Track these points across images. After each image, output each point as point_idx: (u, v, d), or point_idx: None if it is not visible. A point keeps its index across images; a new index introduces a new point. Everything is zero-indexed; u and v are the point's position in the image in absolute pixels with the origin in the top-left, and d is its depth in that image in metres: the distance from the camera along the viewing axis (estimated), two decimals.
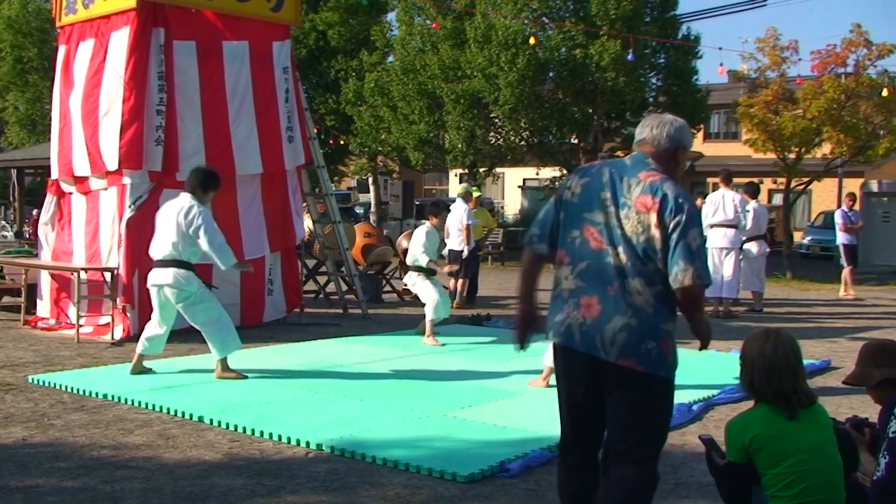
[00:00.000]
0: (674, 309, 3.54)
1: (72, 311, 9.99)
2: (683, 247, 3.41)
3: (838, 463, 3.37)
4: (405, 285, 14.16)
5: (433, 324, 9.58)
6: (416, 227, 13.51)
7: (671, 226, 3.42)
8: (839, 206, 24.99)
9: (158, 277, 7.27)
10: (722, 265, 12.46)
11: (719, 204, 12.49)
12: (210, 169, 7.81)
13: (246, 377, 7.47)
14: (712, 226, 12.48)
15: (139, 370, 7.51)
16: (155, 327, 7.50)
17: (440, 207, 10.37)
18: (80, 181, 10.03)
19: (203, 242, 7.12)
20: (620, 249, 3.48)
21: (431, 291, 9.62)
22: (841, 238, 16.27)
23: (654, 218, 3.44)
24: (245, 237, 10.11)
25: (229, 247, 7.33)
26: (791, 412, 3.33)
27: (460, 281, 13.30)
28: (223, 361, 7.44)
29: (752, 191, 13.40)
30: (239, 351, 8.77)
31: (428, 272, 9.73)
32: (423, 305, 9.69)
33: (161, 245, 7.27)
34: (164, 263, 7.23)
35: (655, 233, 3.44)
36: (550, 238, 3.68)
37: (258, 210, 10.33)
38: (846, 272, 16.09)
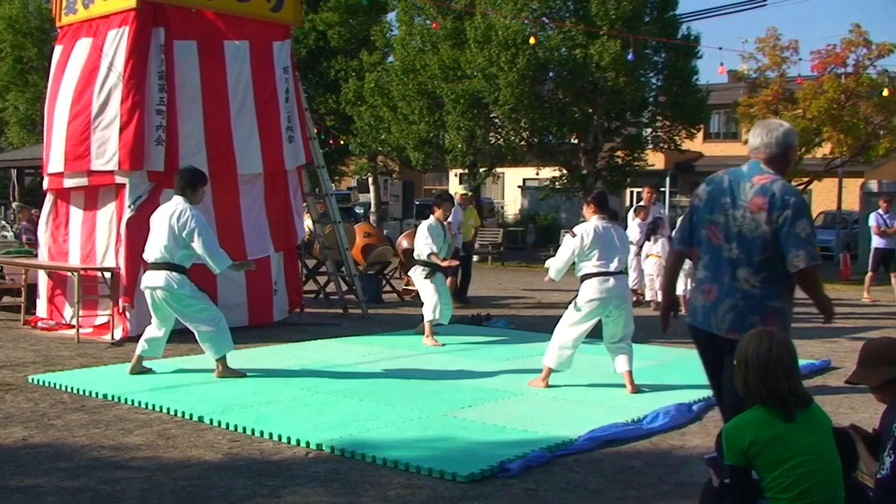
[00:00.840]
0: (782, 290, 4.14)
1: (67, 311, 9.99)
2: (793, 236, 4.02)
3: (837, 463, 3.36)
4: (405, 285, 14.27)
5: (432, 324, 9.54)
6: (416, 226, 13.54)
7: (780, 221, 4.03)
8: (839, 206, 25.06)
9: (151, 280, 7.28)
10: None
11: None
12: (194, 167, 7.80)
13: (245, 375, 7.47)
14: None
15: (138, 370, 7.51)
16: (154, 329, 7.51)
17: (443, 199, 10.21)
18: (54, 178, 10.04)
19: (197, 245, 7.11)
20: (734, 244, 4.15)
21: (430, 292, 9.57)
22: (875, 242, 15.87)
23: (764, 216, 4.06)
24: (248, 237, 10.11)
25: (223, 249, 7.32)
26: (788, 414, 3.32)
27: (449, 279, 13.34)
28: (222, 361, 7.45)
29: None
30: (239, 351, 8.80)
31: (432, 271, 9.60)
32: (423, 305, 9.67)
33: (153, 248, 7.27)
34: (157, 266, 7.23)
35: (765, 228, 4.06)
36: (688, 239, 4.42)
37: (261, 210, 10.33)
38: (868, 276, 15.84)
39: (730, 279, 4.15)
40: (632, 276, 13.40)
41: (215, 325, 7.37)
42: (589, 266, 6.99)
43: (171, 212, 7.19)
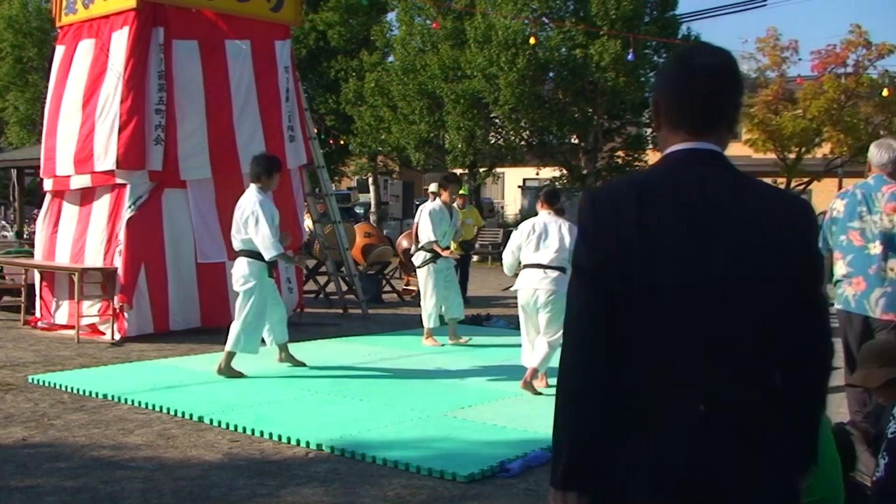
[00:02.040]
0: None
1: (62, 311, 9.98)
2: None
3: (836, 462, 3.36)
4: (405, 285, 14.27)
5: (431, 330, 9.38)
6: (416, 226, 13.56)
7: None
8: None
9: (234, 268, 7.68)
10: None
11: None
12: (269, 154, 8.22)
13: (244, 376, 7.48)
14: None
15: (288, 361, 7.93)
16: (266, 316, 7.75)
17: (449, 180, 9.57)
18: (60, 180, 10.04)
19: (252, 231, 7.37)
20: (876, 243, 5.23)
21: (429, 291, 9.30)
22: None
23: None
24: None
25: (276, 240, 7.40)
26: None
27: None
28: (228, 357, 7.50)
29: None
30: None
31: (433, 258, 9.20)
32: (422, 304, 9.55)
33: (233, 236, 7.63)
34: (236, 254, 7.64)
35: None
36: (826, 244, 5.47)
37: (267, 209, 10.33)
38: None
39: (876, 271, 5.21)
40: None
41: (249, 324, 7.49)
42: (525, 258, 7.11)
43: (243, 199, 7.54)
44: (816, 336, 2.06)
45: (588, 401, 1.91)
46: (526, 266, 7.06)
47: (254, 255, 7.44)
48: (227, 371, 7.46)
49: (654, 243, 1.90)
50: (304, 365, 7.96)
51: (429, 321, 9.38)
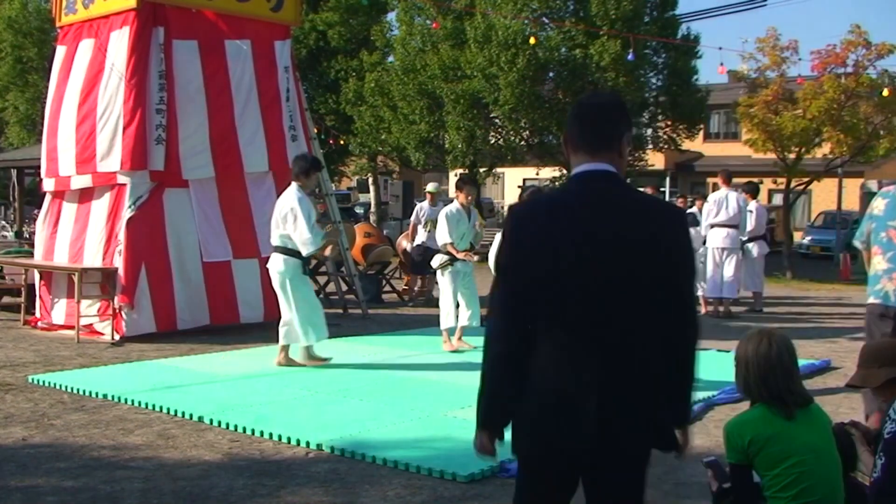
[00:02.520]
0: None
1: (58, 311, 9.98)
2: None
3: (837, 462, 3.36)
4: (405, 285, 14.26)
5: (450, 332, 9.13)
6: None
7: None
8: (839, 206, 25.06)
9: (269, 263, 8.04)
10: (723, 265, 12.46)
11: (722, 203, 12.46)
12: (308, 154, 8.69)
13: (303, 365, 7.96)
14: (713, 225, 12.48)
15: (288, 363, 8.02)
16: (284, 314, 7.96)
17: (465, 181, 9.40)
18: (62, 180, 10.04)
19: (290, 227, 7.71)
20: None
21: (447, 295, 9.04)
22: None
23: None
24: (260, 234, 10.13)
25: (313, 237, 7.70)
26: (787, 412, 3.32)
27: (422, 279, 13.65)
28: (285, 350, 7.97)
29: (752, 191, 13.39)
30: (240, 350, 8.81)
31: (451, 261, 8.97)
32: (433, 305, 9.55)
33: (271, 232, 7.96)
34: (273, 249, 7.95)
35: None
36: (867, 241, 5.78)
37: (272, 207, 10.34)
38: None
39: None
40: None
41: (306, 316, 7.85)
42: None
43: (282, 197, 7.90)
44: (684, 321, 2.63)
45: (499, 366, 2.70)
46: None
47: (289, 251, 7.78)
48: (286, 362, 7.93)
49: (556, 246, 2.54)
50: (302, 366, 7.99)
51: (447, 318, 9.09)
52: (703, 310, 12.46)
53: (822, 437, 3.36)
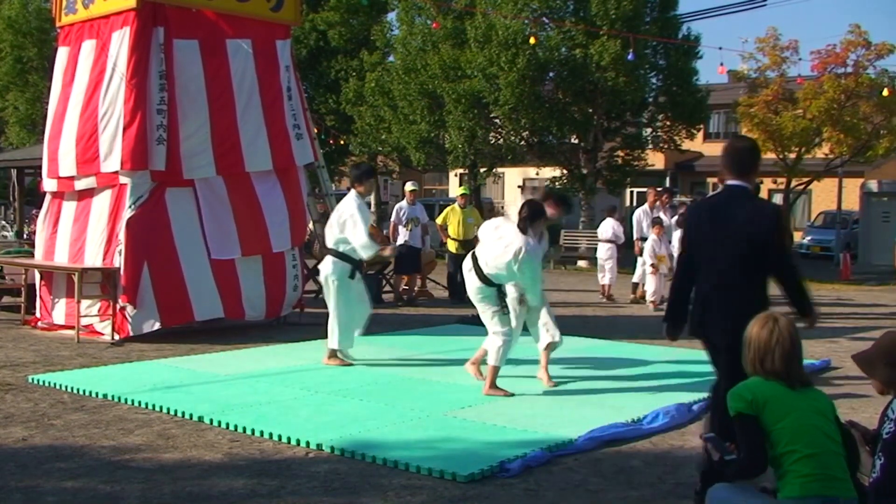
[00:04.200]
0: None
1: (58, 310, 9.98)
2: None
3: (838, 440, 3.44)
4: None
5: (496, 371, 6.95)
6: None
7: None
8: (839, 206, 25.07)
9: (321, 265, 8.33)
10: None
11: None
12: (364, 163, 9.07)
13: (351, 364, 8.13)
14: None
15: (339, 363, 8.14)
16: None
17: (552, 198, 7.52)
18: (64, 181, 10.04)
19: (349, 232, 7.96)
20: None
21: (499, 322, 6.99)
22: None
23: None
24: (272, 231, 10.18)
25: (370, 241, 7.98)
26: (788, 384, 3.49)
27: (406, 279, 13.73)
28: (332, 352, 8.16)
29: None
30: (240, 350, 8.82)
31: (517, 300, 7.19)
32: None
33: (326, 234, 8.24)
34: (327, 252, 8.22)
35: None
36: None
37: (282, 205, 10.38)
38: None
39: None
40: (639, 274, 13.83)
41: (341, 322, 8.08)
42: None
43: (342, 203, 8.16)
44: (780, 266, 4.52)
45: (676, 289, 4.86)
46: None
47: (341, 255, 8.03)
48: (333, 361, 8.11)
49: (700, 228, 4.70)
50: (350, 364, 8.21)
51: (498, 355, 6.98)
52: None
53: (823, 411, 3.48)
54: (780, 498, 3.38)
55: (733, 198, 4.57)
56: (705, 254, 4.61)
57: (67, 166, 9.91)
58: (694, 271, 4.67)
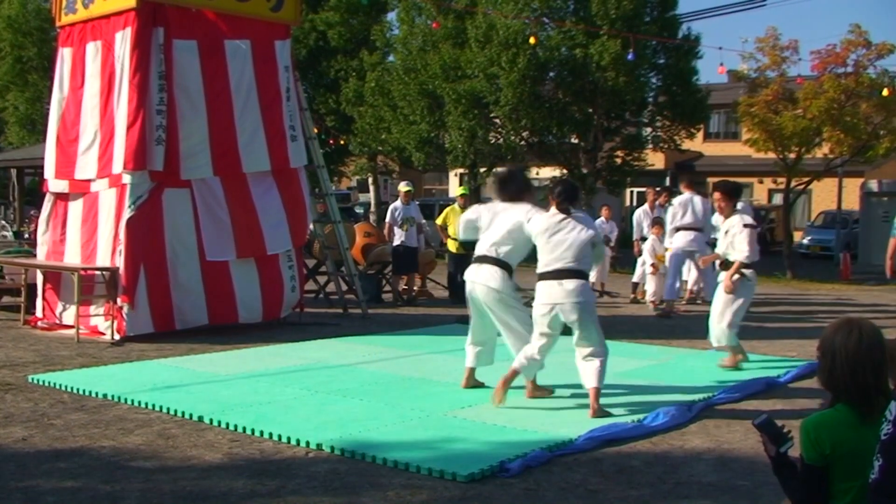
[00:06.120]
0: None
1: (69, 312, 9.98)
2: None
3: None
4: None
5: (532, 377, 6.82)
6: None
7: None
8: (839, 206, 25.08)
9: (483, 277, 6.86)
10: (687, 267, 12.82)
11: (688, 206, 12.52)
12: (501, 173, 7.53)
13: (484, 385, 6.99)
14: (678, 228, 12.52)
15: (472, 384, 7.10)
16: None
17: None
18: (78, 183, 10.03)
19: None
20: None
21: (519, 322, 6.87)
22: None
23: None
24: (266, 232, 10.15)
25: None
26: (870, 412, 3.10)
27: (404, 279, 13.72)
28: (531, 382, 6.85)
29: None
30: (240, 350, 8.81)
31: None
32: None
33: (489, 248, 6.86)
34: (491, 262, 6.83)
35: None
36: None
37: (279, 206, 10.37)
38: None
39: None
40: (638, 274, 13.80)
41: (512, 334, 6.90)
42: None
43: (510, 211, 6.83)
44: None
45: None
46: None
47: (500, 263, 6.75)
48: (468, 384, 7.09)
49: None
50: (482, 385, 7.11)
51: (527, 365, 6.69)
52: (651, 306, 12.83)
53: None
54: None
55: None
56: None
57: (87, 169, 9.87)
58: None
